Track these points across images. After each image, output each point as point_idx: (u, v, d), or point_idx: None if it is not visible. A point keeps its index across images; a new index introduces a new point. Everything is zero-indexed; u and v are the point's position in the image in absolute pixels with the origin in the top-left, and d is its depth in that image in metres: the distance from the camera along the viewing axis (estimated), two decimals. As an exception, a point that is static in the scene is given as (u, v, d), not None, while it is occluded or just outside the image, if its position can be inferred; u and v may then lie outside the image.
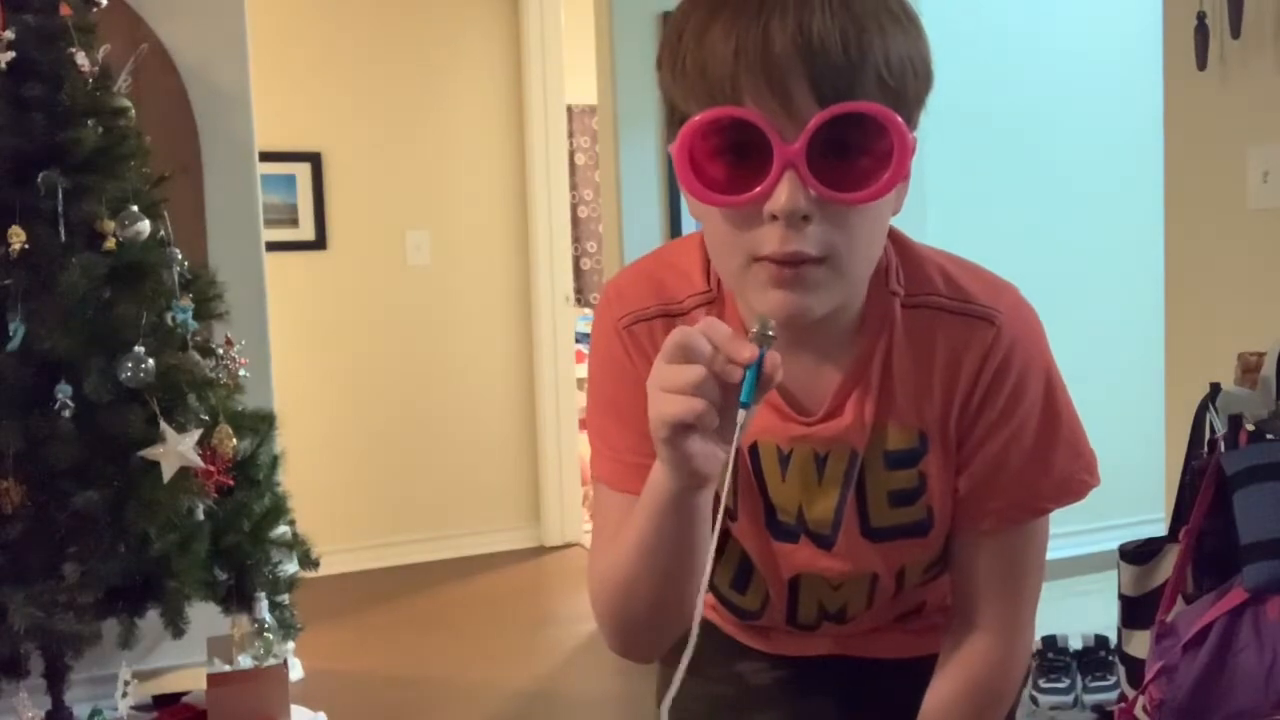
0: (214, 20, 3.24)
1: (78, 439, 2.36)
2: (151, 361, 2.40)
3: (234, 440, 2.55)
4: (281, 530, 2.70)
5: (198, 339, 2.59)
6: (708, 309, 1.01)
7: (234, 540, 2.58)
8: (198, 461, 2.43)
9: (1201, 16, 2.32)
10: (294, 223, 4.41)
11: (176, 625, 2.47)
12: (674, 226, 3.81)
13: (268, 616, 2.69)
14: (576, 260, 5.94)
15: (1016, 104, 3.83)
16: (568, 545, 4.81)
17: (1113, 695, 2.54)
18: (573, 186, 5.89)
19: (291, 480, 2.83)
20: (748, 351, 0.78)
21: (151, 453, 2.39)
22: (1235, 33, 2.26)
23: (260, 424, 2.70)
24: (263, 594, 2.64)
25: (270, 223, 3.81)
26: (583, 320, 5.70)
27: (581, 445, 5.01)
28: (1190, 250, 2.49)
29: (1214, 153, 2.40)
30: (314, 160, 4.41)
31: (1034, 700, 2.68)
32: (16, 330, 2.36)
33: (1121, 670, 2.09)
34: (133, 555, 2.41)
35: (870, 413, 0.99)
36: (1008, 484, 1.00)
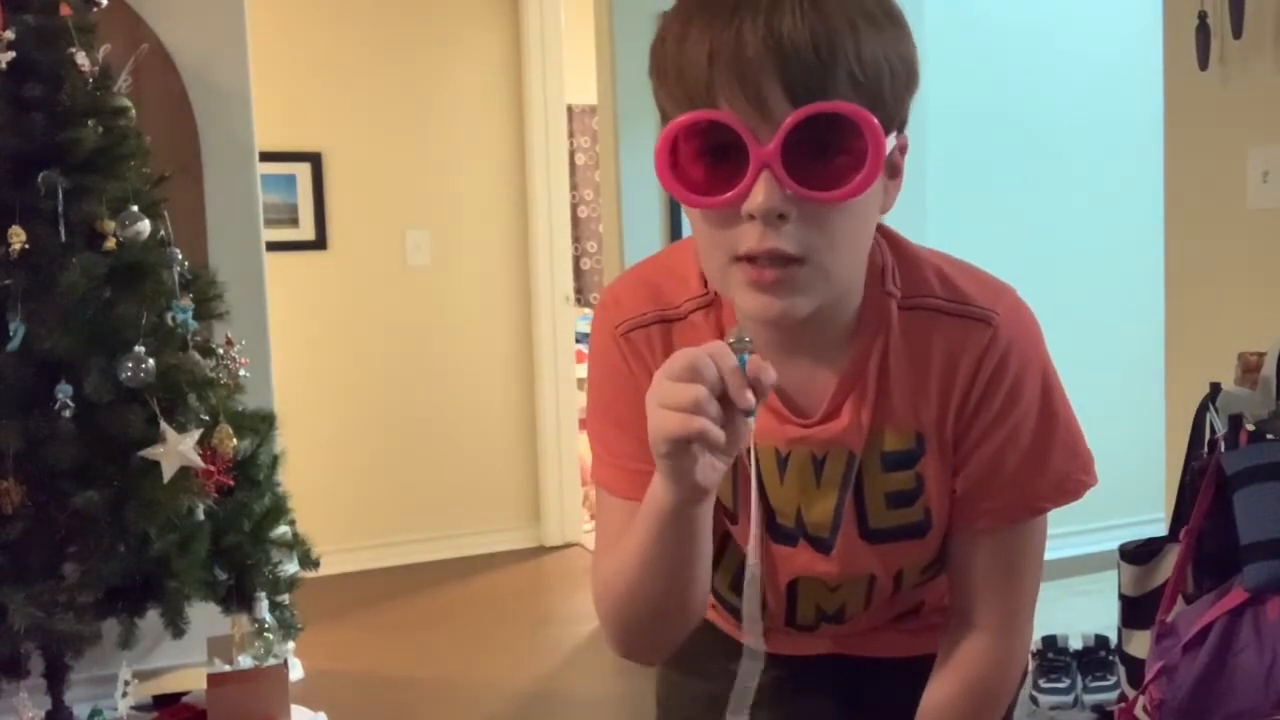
0: (214, 20, 3.24)
1: (78, 439, 2.36)
2: (151, 361, 2.40)
3: (234, 440, 2.55)
4: (281, 530, 2.70)
5: (198, 339, 2.59)
6: (705, 312, 1.01)
7: (234, 540, 2.58)
8: (198, 461, 2.43)
9: (1203, 16, 2.32)
10: (294, 223, 4.41)
11: (176, 625, 2.47)
12: (674, 227, 3.81)
13: (268, 616, 2.69)
14: (576, 260, 5.94)
15: (1017, 104, 3.83)
16: (568, 545, 4.81)
17: (1113, 695, 2.54)
18: (573, 186, 5.89)
19: (291, 480, 2.83)
20: (750, 396, 0.80)
21: (151, 453, 2.39)
22: (1236, 32, 2.26)
23: (260, 424, 2.70)
24: (263, 594, 2.64)
25: (270, 223, 3.82)
26: (583, 320, 5.70)
27: (581, 445, 5.01)
28: (1190, 250, 2.49)
29: (1214, 153, 2.40)
30: (314, 160, 4.41)
31: (1034, 700, 2.68)
32: (16, 330, 2.36)
33: (1121, 670, 2.09)
34: (133, 555, 2.41)
35: (867, 415, 0.99)
36: (1005, 484, 1.00)
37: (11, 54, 2.40)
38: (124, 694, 2.63)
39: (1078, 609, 3.29)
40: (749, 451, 1.02)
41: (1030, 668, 2.73)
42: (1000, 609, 1.04)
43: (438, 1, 4.57)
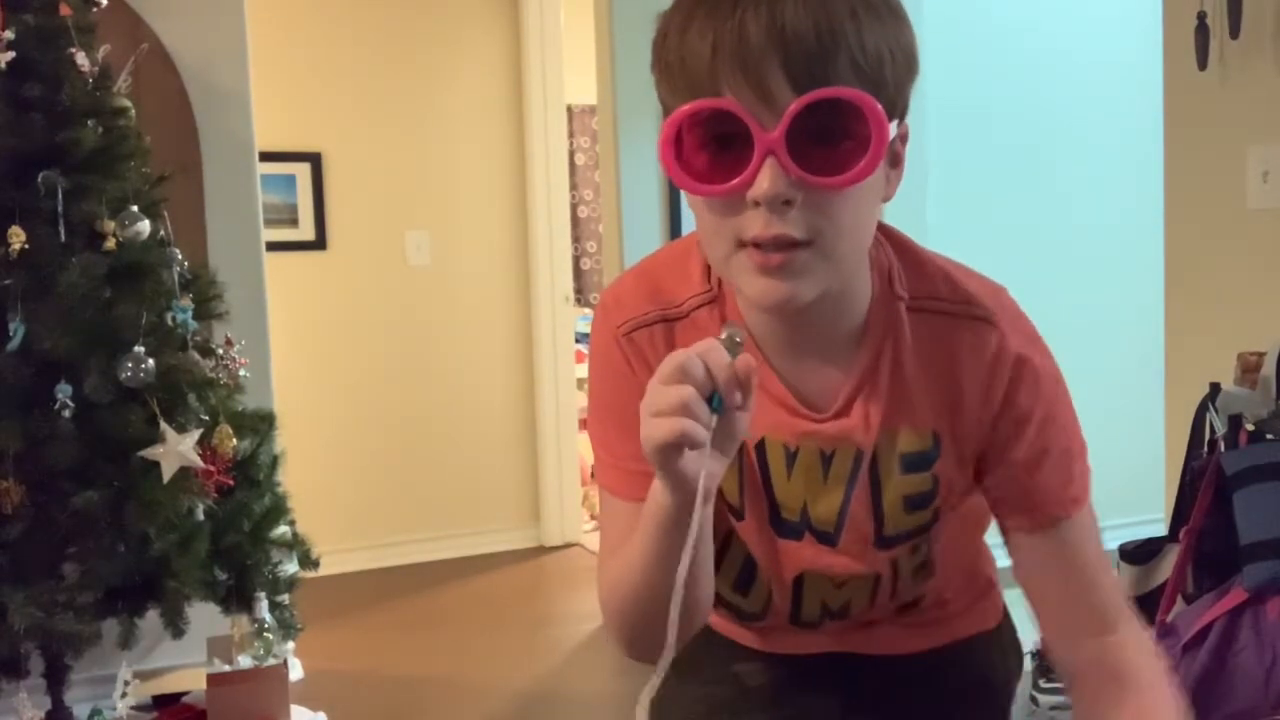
0: (214, 20, 3.24)
1: (78, 439, 2.36)
2: (151, 361, 2.40)
3: (234, 440, 2.55)
4: (281, 530, 2.70)
5: (198, 339, 2.59)
6: (709, 309, 1.01)
7: (234, 540, 2.58)
8: (198, 461, 2.43)
9: (1202, 16, 2.32)
10: (294, 223, 4.41)
11: (176, 625, 2.47)
12: (674, 226, 3.81)
13: (268, 616, 2.69)
14: (576, 260, 5.94)
15: (1017, 104, 3.83)
16: (568, 545, 4.81)
17: (1113, 695, 2.54)
18: (573, 186, 5.89)
19: (291, 480, 2.83)
20: (736, 396, 0.82)
21: (151, 453, 2.39)
22: (1235, 32, 2.26)
23: (260, 424, 2.70)
24: (263, 594, 2.64)
25: (270, 223, 3.81)
26: (583, 320, 5.69)
27: (581, 445, 5.01)
28: (1190, 250, 2.49)
29: (1214, 153, 2.40)
30: (314, 160, 4.41)
31: (1034, 700, 2.68)
32: (16, 330, 2.36)
33: (1122, 670, 2.08)
34: (133, 555, 2.41)
35: (878, 415, 0.99)
36: (1044, 481, 1.00)
37: (11, 54, 2.40)
38: (124, 694, 2.63)
39: (1078, 609, 3.28)
40: (755, 448, 1.02)
41: (1030, 668, 2.73)
42: (1099, 608, 1.02)
43: (438, 1, 4.57)
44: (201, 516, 2.51)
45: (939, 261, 1.02)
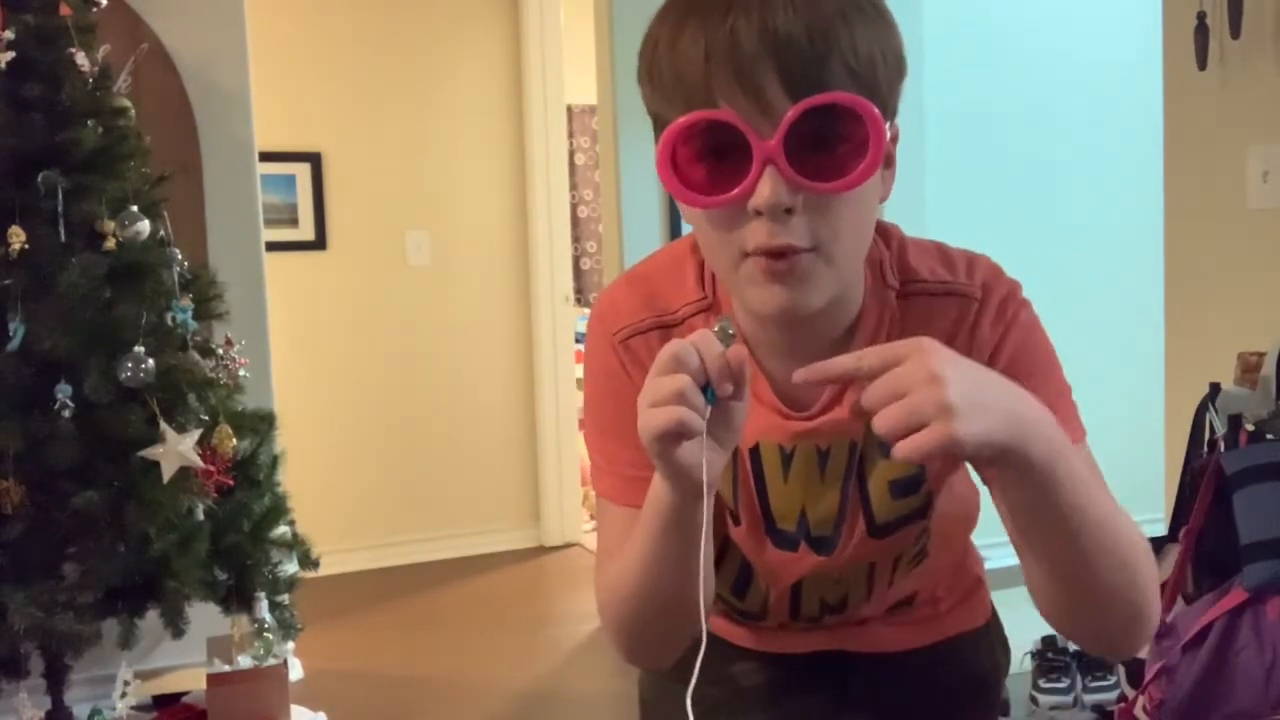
0: (214, 20, 3.24)
1: (78, 439, 2.36)
2: (151, 361, 2.40)
3: (234, 440, 2.55)
4: (281, 530, 2.69)
5: (198, 339, 2.59)
6: (704, 316, 1.01)
7: (234, 540, 2.57)
8: (198, 461, 2.43)
9: (1201, 16, 2.32)
10: (294, 223, 4.41)
11: (176, 625, 2.47)
12: (674, 226, 3.81)
13: (268, 616, 2.69)
14: (576, 260, 5.94)
15: (1016, 104, 3.83)
16: (568, 545, 4.81)
17: (1113, 695, 2.54)
18: (573, 186, 5.89)
19: (291, 480, 2.83)
20: (728, 386, 0.82)
21: (151, 453, 2.39)
22: (1235, 33, 2.26)
23: (260, 424, 2.70)
24: (263, 594, 2.64)
25: (270, 223, 3.82)
26: (583, 320, 5.68)
27: (581, 445, 5.00)
28: (1190, 250, 2.49)
29: (1214, 153, 2.40)
30: (314, 160, 4.41)
31: (1034, 700, 2.68)
32: (16, 330, 2.36)
33: (1121, 670, 2.09)
34: (133, 555, 2.41)
35: None
36: None
37: (11, 54, 2.40)
38: (124, 694, 2.63)
39: (1078, 609, 3.28)
40: (749, 454, 1.02)
41: (1030, 668, 2.73)
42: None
43: (438, 2, 4.57)
44: (201, 516, 2.51)
45: (920, 245, 1.03)
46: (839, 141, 0.85)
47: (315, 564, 2.72)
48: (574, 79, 4.88)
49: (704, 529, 0.86)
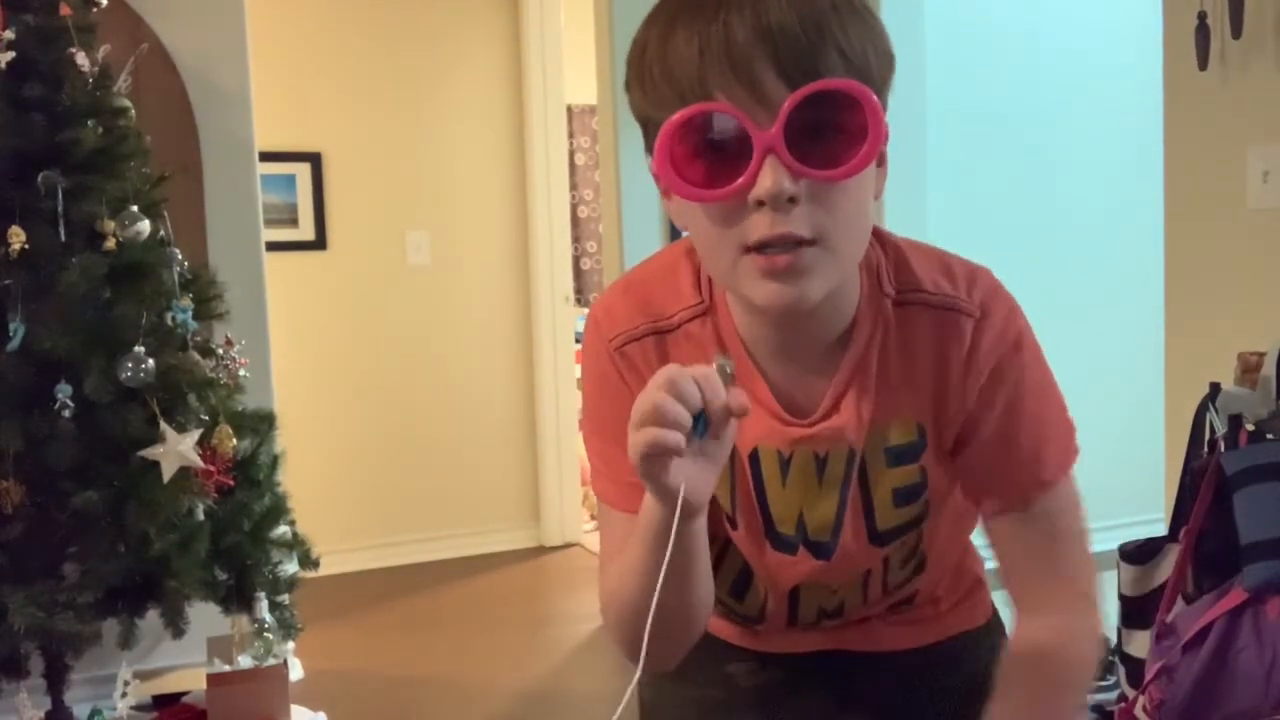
0: (214, 20, 3.24)
1: (78, 439, 2.36)
2: (151, 361, 2.40)
3: (234, 440, 2.55)
4: (281, 530, 2.70)
5: (198, 339, 2.59)
6: (700, 321, 1.01)
7: (234, 540, 2.57)
8: (198, 461, 2.43)
9: (1202, 16, 2.32)
10: (294, 223, 4.41)
11: (176, 625, 2.47)
12: (674, 226, 3.81)
13: (268, 616, 2.69)
14: (576, 260, 5.94)
15: (1016, 104, 3.83)
16: (568, 545, 4.81)
17: (1113, 695, 2.54)
18: (573, 186, 5.89)
19: (291, 480, 2.83)
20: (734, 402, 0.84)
21: (151, 453, 2.39)
22: (1236, 32, 2.26)
23: (260, 424, 2.70)
24: (263, 594, 2.64)
25: (270, 223, 3.82)
26: (583, 320, 5.67)
27: (581, 445, 5.00)
28: (1190, 250, 2.49)
29: (1214, 153, 2.40)
30: (314, 160, 4.41)
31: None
32: (16, 330, 2.36)
33: (1121, 670, 2.09)
34: (133, 555, 2.41)
35: (868, 410, 0.99)
36: (1013, 461, 1.00)
37: (11, 54, 2.40)
38: (124, 694, 2.63)
39: (1078, 609, 3.28)
40: (748, 459, 1.02)
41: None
42: (1045, 591, 1.02)
43: (438, 2, 4.57)
44: (201, 516, 2.51)
45: (922, 253, 1.02)
46: (837, 130, 0.85)
47: (315, 564, 2.72)
48: (574, 79, 4.88)
49: (666, 555, 0.87)
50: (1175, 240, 2.52)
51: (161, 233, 2.58)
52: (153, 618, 2.49)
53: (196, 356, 2.56)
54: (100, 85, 2.52)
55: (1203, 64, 2.34)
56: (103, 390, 2.36)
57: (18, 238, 2.36)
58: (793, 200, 0.85)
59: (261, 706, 2.63)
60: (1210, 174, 2.41)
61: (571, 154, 5.91)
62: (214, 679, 2.63)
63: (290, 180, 4.38)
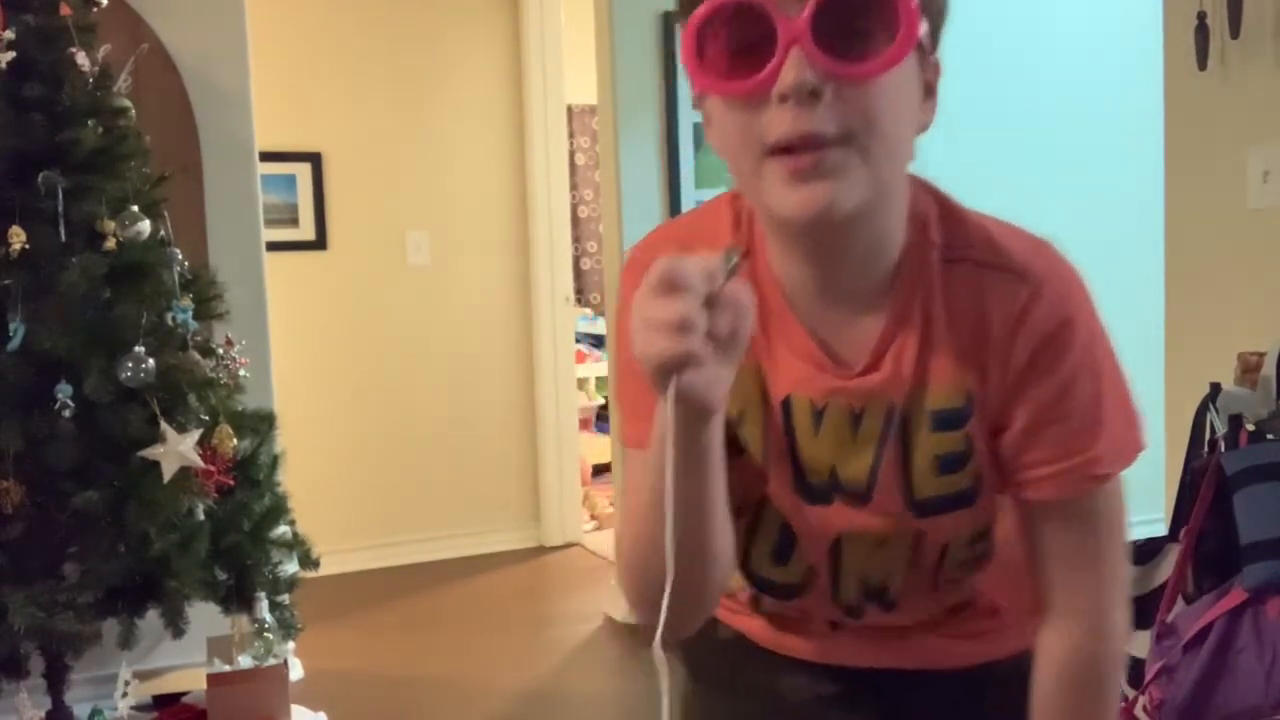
0: (214, 20, 3.24)
1: (78, 439, 2.36)
2: (151, 361, 2.40)
3: (234, 440, 2.55)
4: (281, 530, 2.69)
5: (198, 339, 2.59)
6: (741, 262, 0.98)
7: (234, 540, 2.57)
8: (198, 461, 2.43)
9: (1202, 16, 2.32)
10: (294, 223, 4.41)
11: (176, 625, 2.47)
12: (674, 226, 3.80)
13: (268, 616, 2.69)
14: (576, 260, 5.94)
15: (1016, 104, 3.83)
16: (568, 545, 4.81)
17: (1113, 695, 2.54)
18: (573, 186, 5.88)
19: (291, 480, 2.83)
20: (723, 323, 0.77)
21: (151, 453, 2.39)
22: (1235, 32, 2.26)
23: (260, 424, 2.70)
24: (263, 594, 2.64)
25: (270, 223, 3.81)
26: (583, 320, 5.69)
27: (581, 445, 5.01)
28: (1190, 250, 2.49)
29: (1214, 153, 2.40)
30: (314, 160, 4.41)
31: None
32: (16, 330, 2.36)
33: (1121, 670, 2.08)
34: (133, 555, 2.41)
35: (910, 365, 0.95)
36: (1058, 446, 0.95)
37: (11, 54, 2.40)
38: (124, 694, 2.63)
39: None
40: (780, 406, 0.98)
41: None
42: (1083, 593, 0.98)
43: (438, 2, 4.57)
44: (201, 516, 2.51)
45: (980, 219, 0.99)
46: (868, 28, 0.83)
47: (315, 564, 2.72)
48: (574, 79, 4.87)
49: (715, 456, 0.82)
50: (1175, 240, 2.53)
51: (161, 233, 2.58)
52: (153, 618, 2.49)
53: (196, 356, 2.55)
54: (100, 85, 2.52)
55: (1202, 64, 2.34)
56: (103, 390, 2.36)
57: (18, 238, 2.36)
58: (816, 95, 0.82)
59: (261, 706, 2.63)
60: (1210, 174, 2.42)
61: (571, 154, 5.90)
62: (214, 679, 2.63)
63: (290, 180, 4.38)
